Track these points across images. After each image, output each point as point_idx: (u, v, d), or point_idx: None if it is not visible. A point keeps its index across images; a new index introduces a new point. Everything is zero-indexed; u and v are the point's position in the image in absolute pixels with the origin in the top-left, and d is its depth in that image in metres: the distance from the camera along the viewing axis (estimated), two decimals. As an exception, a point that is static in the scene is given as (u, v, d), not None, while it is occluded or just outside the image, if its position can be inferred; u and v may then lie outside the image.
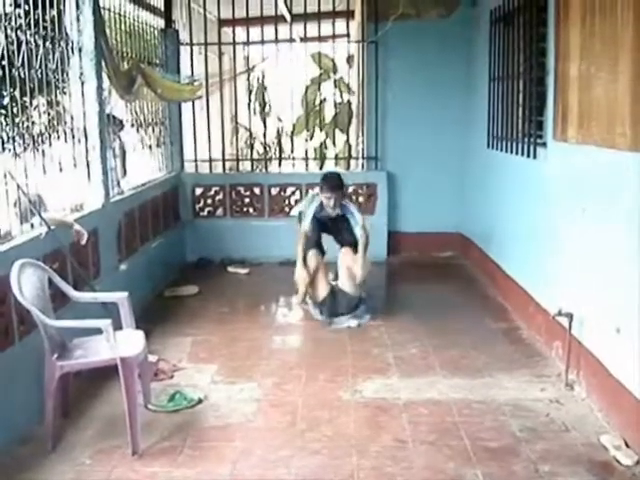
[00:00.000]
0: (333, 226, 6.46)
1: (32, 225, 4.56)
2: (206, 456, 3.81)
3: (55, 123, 5.20)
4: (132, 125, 6.97)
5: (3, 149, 4.40)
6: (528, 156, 5.70)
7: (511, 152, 6.24)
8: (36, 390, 3.93)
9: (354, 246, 6.24)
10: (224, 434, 4.06)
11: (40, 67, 4.85)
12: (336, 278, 6.43)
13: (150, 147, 7.52)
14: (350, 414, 4.33)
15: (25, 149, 4.65)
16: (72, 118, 5.47)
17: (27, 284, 3.75)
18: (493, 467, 3.69)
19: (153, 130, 7.60)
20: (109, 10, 6.22)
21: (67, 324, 3.95)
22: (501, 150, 6.65)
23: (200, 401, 4.46)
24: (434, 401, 4.48)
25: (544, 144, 5.40)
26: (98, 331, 3.86)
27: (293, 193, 8.42)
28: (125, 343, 3.93)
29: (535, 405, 4.40)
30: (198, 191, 8.46)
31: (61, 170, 5.13)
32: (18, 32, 4.55)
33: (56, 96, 5.25)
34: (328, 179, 6.39)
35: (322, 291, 6.22)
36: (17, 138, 4.53)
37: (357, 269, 6.13)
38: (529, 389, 4.65)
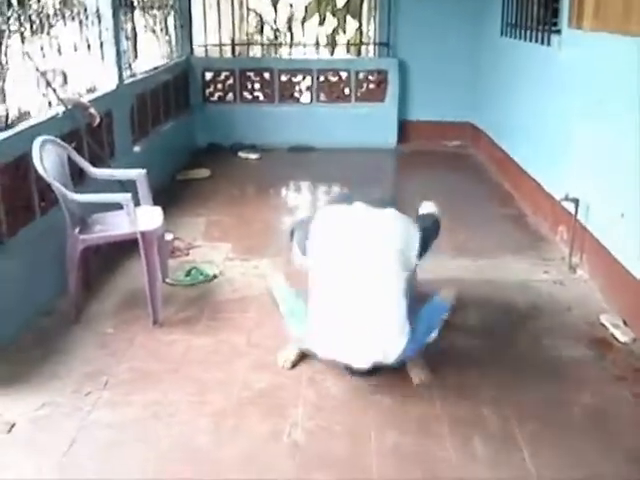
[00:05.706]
0: None
1: (50, 103, 4.60)
2: (223, 326, 3.98)
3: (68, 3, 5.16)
4: (142, 8, 6.89)
5: (18, 30, 4.40)
6: (542, 43, 5.65)
7: (525, 39, 6.18)
8: (58, 264, 4.05)
9: None
10: (240, 306, 4.22)
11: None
12: None
13: (160, 30, 7.45)
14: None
15: (42, 29, 4.65)
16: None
17: (48, 160, 3.81)
18: (497, 340, 3.85)
19: (163, 13, 7.51)
20: None
21: (88, 198, 4.01)
22: (515, 38, 6.58)
23: (215, 276, 4.60)
24: (441, 280, 4.56)
25: (559, 31, 5.35)
26: (115, 208, 3.97)
27: (303, 79, 8.37)
28: (144, 218, 4.01)
29: (539, 285, 4.54)
30: (208, 76, 8.41)
31: (75, 50, 5.12)
32: None
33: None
34: None
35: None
36: (31, 18, 4.52)
37: None
38: (534, 271, 4.78)
